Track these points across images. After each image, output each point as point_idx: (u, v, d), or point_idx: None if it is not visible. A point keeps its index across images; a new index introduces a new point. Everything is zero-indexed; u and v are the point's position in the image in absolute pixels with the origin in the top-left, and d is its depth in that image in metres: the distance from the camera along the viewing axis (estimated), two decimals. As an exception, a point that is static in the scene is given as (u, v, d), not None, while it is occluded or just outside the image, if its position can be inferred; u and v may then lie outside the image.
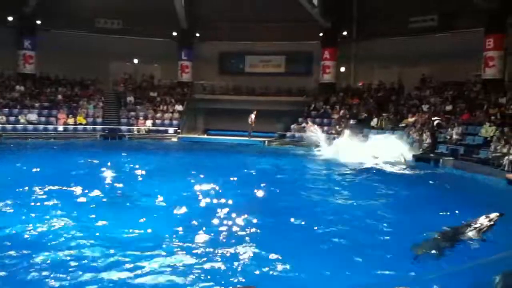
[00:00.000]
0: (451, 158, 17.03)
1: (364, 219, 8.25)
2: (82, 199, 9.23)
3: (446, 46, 22.61)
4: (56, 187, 10.07)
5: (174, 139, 25.48)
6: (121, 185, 11.05)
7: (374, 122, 22.42)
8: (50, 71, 27.53)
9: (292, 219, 8.09)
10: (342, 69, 27.57)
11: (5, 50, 25.69)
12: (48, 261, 5.74)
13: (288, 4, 26.09)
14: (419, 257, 5.89)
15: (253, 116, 24.76)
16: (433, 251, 6.06)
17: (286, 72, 29.35)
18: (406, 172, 15.27)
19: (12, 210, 8.27)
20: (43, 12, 26.14)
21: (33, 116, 24.27)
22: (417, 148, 18.46)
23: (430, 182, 13.48)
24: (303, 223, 7.95)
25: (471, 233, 6.39)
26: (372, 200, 10.13)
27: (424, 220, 8.15)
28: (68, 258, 5.88)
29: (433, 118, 18.53)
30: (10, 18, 25.86)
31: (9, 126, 23.38)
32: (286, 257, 6.01)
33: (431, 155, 17.77)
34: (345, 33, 26.87)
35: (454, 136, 18.14)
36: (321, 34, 27.27)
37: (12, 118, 23.93)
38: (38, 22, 26.67)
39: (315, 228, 7.61)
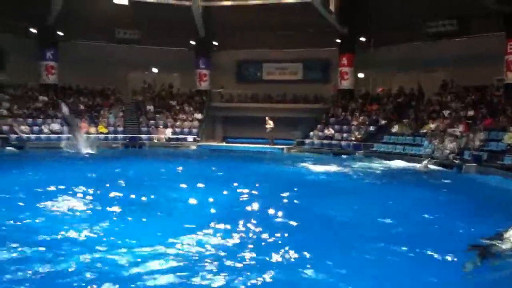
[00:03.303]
0: (474, 164, 16.87)
1: (395, 227, 8.26)
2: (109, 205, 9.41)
3: (465, 51, 22.45)
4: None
5: (193, 147, 25.70)
6: (148, 192, 11.20)
7: (394, 128, 22.31)
8: (72, 81, 28.08)
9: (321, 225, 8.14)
10: (361, 75, 27.54)
11: (28, 61, 26.36)
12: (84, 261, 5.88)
13: (304, 12, 26.22)
14: (471, 272, 5.84)
15: (271, 122, 24.93)
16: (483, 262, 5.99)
17: (303, 79, 29.43)
18: (428, 178, 15.19)
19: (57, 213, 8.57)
20: (64, 24, 26.76)
21: (56, 126, 24.74)
22: (439, 154, 18.32)
23: (454, 189, 13.36)
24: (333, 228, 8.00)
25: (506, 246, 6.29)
26: (396, 206, 10.15)
27: (453, 229, 8.11)
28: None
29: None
30: (33, 30, 26.50)
31: (33, 136, 23.84)
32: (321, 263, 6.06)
33: (454, 161, 17.64)
34: (362, 39, 26.85)
35: (477, 142, 17.96)
36: (338, 41, 27.33)
37: (36, 128, 24.43)
38: (60, 33, 27.27)
39: (361, 234, 7.64)
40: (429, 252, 6.61)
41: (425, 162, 17.53)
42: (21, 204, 9.44)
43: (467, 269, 5.85)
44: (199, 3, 27.60)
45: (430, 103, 23.32)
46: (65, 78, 27.73)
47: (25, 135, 23.40)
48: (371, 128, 23.68)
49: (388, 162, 19.08)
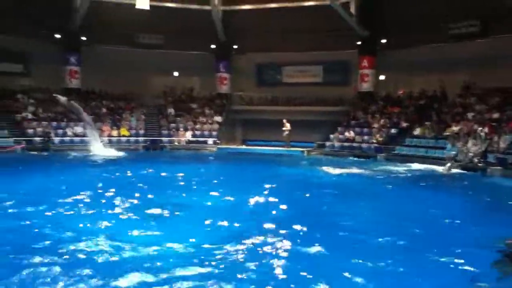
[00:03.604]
0: (499, 167, 16.55)
1: (419, 233, 8.16)
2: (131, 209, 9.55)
3: (488, 52, 22.01)
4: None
5: (213, 150, 25.84)
6: (171, 194, 11.34)
7: (416, 131, 22.04)
8: (95, 85, 28.59)
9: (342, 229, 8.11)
10: (382, 77, 27.31)
11: (53, 66, 26.95)
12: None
13: (324, 14, 26.17)
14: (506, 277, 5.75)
15: (288, 125, 24.96)
16: None
17: (323, 82, 29.32)
18: (451, 182, 14.97)
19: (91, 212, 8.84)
20: (87, 29, 27.29)
21: (79, 129, 25.20)
22: (462, 157, 18.02)
23: (479, 193, 13.10)
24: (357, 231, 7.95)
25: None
26: (419, 211, 10.03)
27: (479, 234, 7.96)
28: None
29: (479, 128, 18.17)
30: (57, 36, 27.09)
31: (57, 139, 24.33)
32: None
33: (478, 164, 17.33)
34: (384, 40, 26.64)
35: (502, 145, 17.62)
36: (359, 43, 27.17)
37: (59, 131, 24.94)
38: (83, 38, 27.82)
39: (378, 239, 7.58)
40: (456, 260, 6.48)
41: (448, 165, 17.29)
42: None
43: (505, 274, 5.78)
44: (219, 8, 27.87)
45: (454, 105, 22.95)
46: (88, 82, 28.26)
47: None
48: (393, 130, 23.44)
49: (410, 165, 18.86)
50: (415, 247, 7.16)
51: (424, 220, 9.10)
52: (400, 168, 18.04)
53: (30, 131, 23.86)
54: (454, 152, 18.29)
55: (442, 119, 22.00)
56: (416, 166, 18.62)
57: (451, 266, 6.31)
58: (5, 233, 7.53)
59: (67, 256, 6.41)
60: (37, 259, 6.19)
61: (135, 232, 7.72)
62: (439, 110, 23.08)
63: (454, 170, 17.13)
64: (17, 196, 10.46)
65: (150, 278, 5.68)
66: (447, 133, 20.08)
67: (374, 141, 23.03)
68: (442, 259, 6.52)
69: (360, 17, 26.45)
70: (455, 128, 20.06)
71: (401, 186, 14.12)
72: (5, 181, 12.95)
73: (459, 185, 14.77)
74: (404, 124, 23.37)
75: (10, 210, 9.24)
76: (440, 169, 17.42)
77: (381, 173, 16.62)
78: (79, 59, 27.96)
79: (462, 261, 6.40)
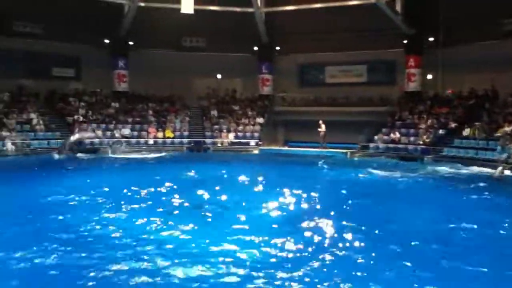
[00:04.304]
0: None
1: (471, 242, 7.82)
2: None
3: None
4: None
5: (256, 151, 25.94)
6: (216, 195, 11.49)
7: (466, 131, 21.16)
8: (141, 88, 29.48)
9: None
10: (429, 76, 26.43)
11: (102, 70, 28.07)
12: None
13: (369, 13, 25.69)
14: None
15: (323, 126, 24.70)
16: None
17: (368, 82, 28.76)
18: (503, 186, 14.25)
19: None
20: (134, 34, 28.22)
21: (126, 131, 26.09)
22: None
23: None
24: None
25: None
26: (470, 217, 9.60)
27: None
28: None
29: None
30: (106, 41, 28.17)
31: (105, 140, 25.25)
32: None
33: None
34: (431, 38, 25.77)
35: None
36: (405, 42, 26.45)
37: (108, 133, 25.89)
38: (131, 43, 28.78)
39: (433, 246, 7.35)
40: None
41: (499, 168, 16.46)
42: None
43: None
44: (262, 9, 27.98)
45: (505, 105, 21.86)
46: (135, 85, 29.18)
47: (94, 139, 24.67)
48: (440, 131, 22.61)
49: (459, 167, 18.14)
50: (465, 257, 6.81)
51: (474, 228, 8.63)
52: (448, 170, 17.39)
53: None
54: (506, 154, 17.40)
55: (493, 119, 21.00)
56: (465, 168, 17.88)
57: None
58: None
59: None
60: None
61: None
62: (490, 110, 22.04)
63: (506, 173, 16.30)
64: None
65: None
66: (499, 134, 19.13)
67: (421, 142, 22.32)
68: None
69: (406, 15, 25.76)
70: (507, 129, 19.07)
71: (447, 190, 13.56)
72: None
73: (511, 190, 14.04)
74: (453, 125, 22.50)
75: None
76: (491, 171, 16.62)
77: (429, 175, 16.11)
78: (127, 63, 28.94)
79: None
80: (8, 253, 6.70)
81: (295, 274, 6.03)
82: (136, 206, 10.16)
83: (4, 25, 24.63)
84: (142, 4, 26.97)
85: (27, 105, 24.82)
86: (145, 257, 6.58)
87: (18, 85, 25.81)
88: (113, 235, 7.83)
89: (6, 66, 24.88)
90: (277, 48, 30.10)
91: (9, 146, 21.36)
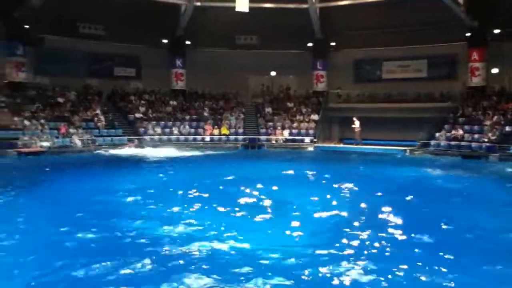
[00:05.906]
0: None
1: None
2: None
3: None
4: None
5: (310, 148, 25.80)
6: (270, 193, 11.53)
7: (536, 128, 19.99)
8: (197, 86, 30.15)
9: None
10: (495, 70, 25.14)
11: (161, 69, 28.97)
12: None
13: (429, 5, 24.79)
14: None
15: (357, 122, 24.13)
16: None
17: (428, 77, 27.76)
18: None
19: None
20: (191, 34, 28.87)
21: (184, 128, 26.76)
22: None
23: None
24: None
25: None
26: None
27: None
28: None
29: None
30: (164, 41, 29.04)
31: (164, 137, 26.07)
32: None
33: None
34: (496, 31, 24.48)
35: None
36: (467, 34, 25.29)
37: (166, 130, 26.70)
38: (187, 42, 29.48)
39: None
40: None
41: None
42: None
43: None
44: (316, 5, 27.73)
45: None
46: (192, 83, 29.90)
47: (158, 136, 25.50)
48: (507, 128, 21.46)
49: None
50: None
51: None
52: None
53: (141, 129, 25.87)
54: None
55: None
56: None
57: None
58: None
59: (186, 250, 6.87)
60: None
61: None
62: None
63: None
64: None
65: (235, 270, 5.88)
66: None
67: (486, 139, 21.29)
68: None
69: (469, 6, 24.59)
70: None
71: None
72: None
73: None
74: (521, 122, 21.31)
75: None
76: None
77: (497, 175, 15.35)
78: (184, 62, 29.70)
79: None
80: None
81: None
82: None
83: (71, 28, 26.02)
84: (198, 4, 27.55)
85: (91, 104, 26.09)
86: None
87: (83, 84, 27.24)
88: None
89: (73, 66, 26.36)
90: (332, 44, 29.72)
91: (77, 142, 22.52)
